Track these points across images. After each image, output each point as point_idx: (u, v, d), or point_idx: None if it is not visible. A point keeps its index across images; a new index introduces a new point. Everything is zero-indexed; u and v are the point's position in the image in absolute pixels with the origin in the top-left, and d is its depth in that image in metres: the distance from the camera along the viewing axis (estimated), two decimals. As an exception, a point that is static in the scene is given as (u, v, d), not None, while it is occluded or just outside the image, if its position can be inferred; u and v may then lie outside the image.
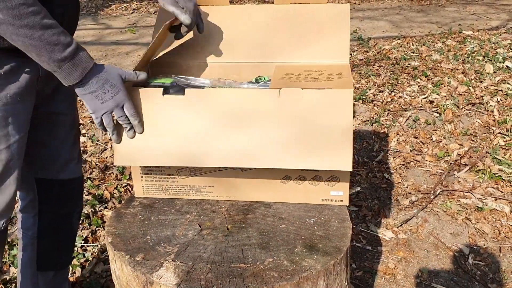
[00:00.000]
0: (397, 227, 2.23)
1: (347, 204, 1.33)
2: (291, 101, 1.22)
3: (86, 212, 2.30)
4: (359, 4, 7.44)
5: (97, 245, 2.10)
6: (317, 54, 1.44)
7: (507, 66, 3.99)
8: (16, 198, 1.53)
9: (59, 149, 1.41)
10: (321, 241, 1.18)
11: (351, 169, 1.15)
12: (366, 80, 3.94)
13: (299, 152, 1.18)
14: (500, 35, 5.00)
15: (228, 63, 1.50)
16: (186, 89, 1.31)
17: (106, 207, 2.38)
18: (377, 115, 3.36)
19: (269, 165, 1.21)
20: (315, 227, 1.24)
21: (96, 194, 2.44)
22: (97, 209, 2.35)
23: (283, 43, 1.31)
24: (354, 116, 3.25)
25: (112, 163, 2.80)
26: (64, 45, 1.08)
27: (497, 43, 4.61)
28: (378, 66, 4.22)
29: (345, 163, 1.16)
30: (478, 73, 3.91)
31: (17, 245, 2.09)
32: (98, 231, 2.20)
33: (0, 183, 1.24)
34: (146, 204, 1.38)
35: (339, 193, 1.33)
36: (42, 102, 1.33)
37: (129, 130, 1.23)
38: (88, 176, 2.67)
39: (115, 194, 2.47)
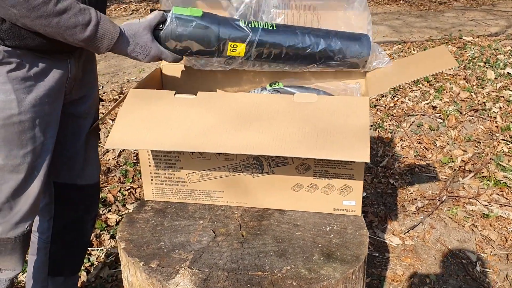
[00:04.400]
0: (404, 234, 2.21)
1: (359, 214, 1.30)
2: (306, 104, 1.21)
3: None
4: (358, 9, 7.44)
5: (102, 249, 2.07)
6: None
7: (508, 72, 4.00)
8: None
9: (78, 153, 1.39)
10: (338, 249, 1.16)
11: (368, 161, 1.10)
12: (368, 84, 3.93)
13: (314, 144, 1.12)
14: (500, 41, 5.02)
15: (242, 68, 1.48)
16: (198, 91, 1.28)
17: (109, 211, 2.35)
18: (380, 120, 3.35)
19: (278, 153, 1.12)
20: (332, 235, 1.22)
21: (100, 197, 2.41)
22: (100, 212, 2.32)
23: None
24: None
25: (115, 166, 2.77)
26: (83, 25, 1.07)
27: (497, 49, 4.62)
28: (379, 71, 4.22)
29: (363, 154, 1.09)
30: (479, 79, 3.91)
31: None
32: (102, 235, 2.17)
33: (24, 186, 1.21)
34: (158, 209, 1.35)
35: (352, 203, 1.30)
36: (68, 105, 1.31)
37: None
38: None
39: (118, 197, 2.44)
